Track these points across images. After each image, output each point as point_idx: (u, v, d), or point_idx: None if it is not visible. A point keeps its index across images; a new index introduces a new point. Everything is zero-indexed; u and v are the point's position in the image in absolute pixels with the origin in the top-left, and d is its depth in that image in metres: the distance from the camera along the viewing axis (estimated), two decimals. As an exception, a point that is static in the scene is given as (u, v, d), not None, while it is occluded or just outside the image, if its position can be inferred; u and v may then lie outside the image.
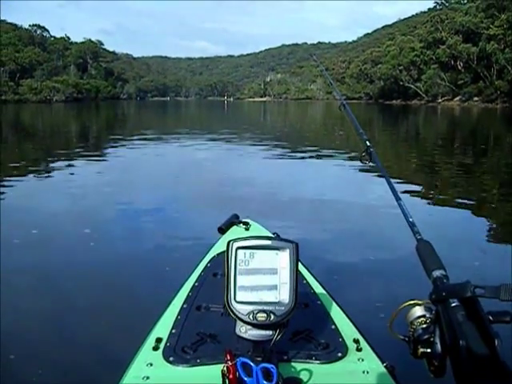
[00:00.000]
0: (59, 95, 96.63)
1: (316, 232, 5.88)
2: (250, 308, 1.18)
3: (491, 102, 64.95)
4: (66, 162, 11.88)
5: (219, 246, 2.15)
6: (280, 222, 5.86)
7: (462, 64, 76.17)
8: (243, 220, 2.37)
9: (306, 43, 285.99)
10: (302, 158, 13.18)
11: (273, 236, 1.90)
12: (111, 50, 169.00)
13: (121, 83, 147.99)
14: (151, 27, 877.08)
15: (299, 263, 1.21)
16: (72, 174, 10.49)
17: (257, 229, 2.31)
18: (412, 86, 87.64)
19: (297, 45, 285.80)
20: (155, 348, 1.48)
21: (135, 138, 18.77)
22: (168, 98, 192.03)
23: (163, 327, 1.59)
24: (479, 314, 0.95)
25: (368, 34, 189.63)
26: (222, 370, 1.16)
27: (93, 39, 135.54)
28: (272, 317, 1.18)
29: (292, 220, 6.35)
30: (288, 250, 1.21)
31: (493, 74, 65.88)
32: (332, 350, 1.46)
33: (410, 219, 1.41)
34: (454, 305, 0.99)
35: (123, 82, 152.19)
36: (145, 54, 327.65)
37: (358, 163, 2.11)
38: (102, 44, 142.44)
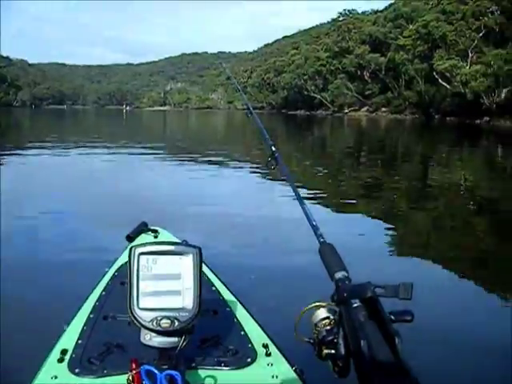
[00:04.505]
0: None
1: (225, 239, 5.95)
2: (154, 314, 1.15)
3: (400, 112, 64.70)
4: None
5: (127, 255, 2.06)
6: (190, 231, 5.62)
7: (368, 74, 75.93)
8: (152, 228, 2.34)
9: (206, 52, 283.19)
10: (209, 165, 13.51)
11: (178, 242, 2.02)
12: (5, 55, 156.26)
13: (14, 90, 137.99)
14: (49, 33, 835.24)
15: (209, 270, 1.20)
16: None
17: (166, 236, 2.29)
18: (317, 96, 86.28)
19: (197, 54, 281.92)
20: (60, 360, 1.42)
21: (26, 148, 17.99)
22: (65, 107, 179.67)
23: (69, 338, 1.53)
24: (380, 314, 0.95)
25: (268, 44, 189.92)
26: (128, 379, 1.14)
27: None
28: (176, 323, 1.15)
29: (201, 229, 6.27)
30: (191, 255, 1.19)
31: (401, 85, 65.75)
32: (241, 355, 1.44)
33: (314, 223, 1.40)
34: (355, 305, 0.99)
35: (17, 88, 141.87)
36: (41, 60, 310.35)
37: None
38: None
